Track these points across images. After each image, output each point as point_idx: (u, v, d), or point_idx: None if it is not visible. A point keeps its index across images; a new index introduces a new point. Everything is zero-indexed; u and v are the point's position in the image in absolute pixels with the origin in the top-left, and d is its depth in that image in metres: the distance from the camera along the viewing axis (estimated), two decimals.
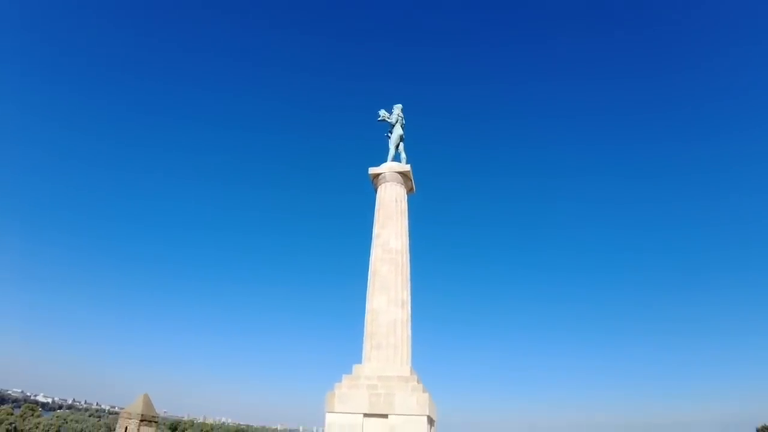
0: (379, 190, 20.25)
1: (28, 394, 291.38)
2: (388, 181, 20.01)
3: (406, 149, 21.39)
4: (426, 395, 15.61)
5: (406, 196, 20.43)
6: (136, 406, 27.55)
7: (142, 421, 27.09)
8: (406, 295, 18.09)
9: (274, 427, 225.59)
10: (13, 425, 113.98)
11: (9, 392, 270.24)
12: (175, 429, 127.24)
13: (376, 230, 19.23)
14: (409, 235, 19.56)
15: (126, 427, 26.85)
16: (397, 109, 21.82)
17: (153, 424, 28.03)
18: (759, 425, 48.27)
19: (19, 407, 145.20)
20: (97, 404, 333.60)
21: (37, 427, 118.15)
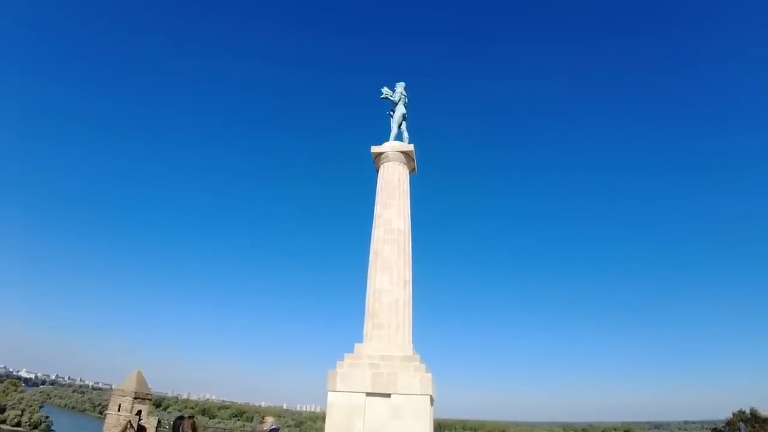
0: (381, 169, 20.00)
1: (11, 369, 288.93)
2: (390, 161, 19.76)
3: (408, 128, 21.09)
4: (428, 375, 15.73)
5: (408, 175, 20.21)
6: (130, 384, 27.40)
7: (135, 398, 27.00)
8: (408, 275, 18.06)
9: (257, 404, 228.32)
10: None
11: None
12: (159, 405, 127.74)
13: (378, 210, 19.05)
14: (411, 216, 19.44)
15: (120, 405, 26.73)
16: (400, 87, 21.42)
17: (147, 401, 27.95)
18: (735, 410, 50.19)
19: (2, 383, 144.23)
20: (81, 380, 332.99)
21: (20, 402, 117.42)
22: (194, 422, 7.81)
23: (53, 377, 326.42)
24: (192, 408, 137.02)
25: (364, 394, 15.55)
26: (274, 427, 10.46)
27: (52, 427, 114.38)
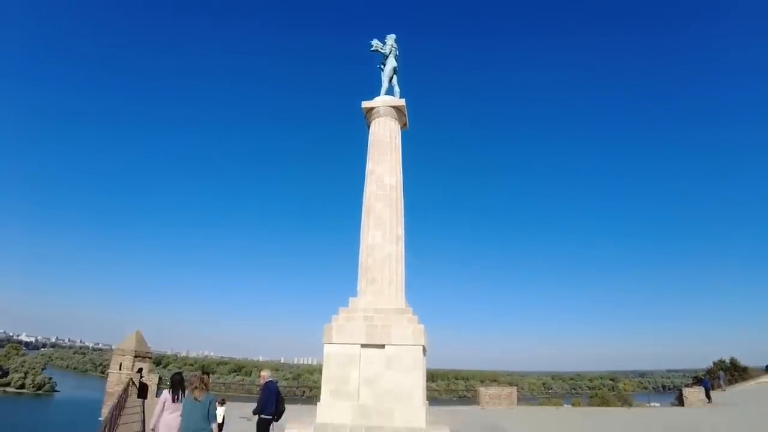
0: (372, 125, 19.71)
1: (11, 334, 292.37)
2: (381, 116, 19.44)
3: (399, 83, 20.64)
4: (421, 327, 16.10)
5: (400, 131, 19.94)
6: (129, 343, 27.92)
7: (136, 357, 27.59)
8: (400, 230, 18.17)
9: (255, 358, 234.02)
10: None
11: None
12: (159, 363, 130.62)
13: (369, 166, 18.90)
14: (403, 172, 19.35)
15: (121, 364, 27.33)
16: (391, 39, 20.77)
17: (147, 359, 28.59)
18: (716, 360, 52.29)
19: (3, 347, 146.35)
20: (81, 342, 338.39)
21: (23, 366, 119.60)
22: (204, 377, 8.00)
23: (53, 340, 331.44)
24: (191, 365, 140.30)
25: (359, 345, 15.95)
26: (270, 379, 10.75)
27: (56, 388, 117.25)
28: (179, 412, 8.32)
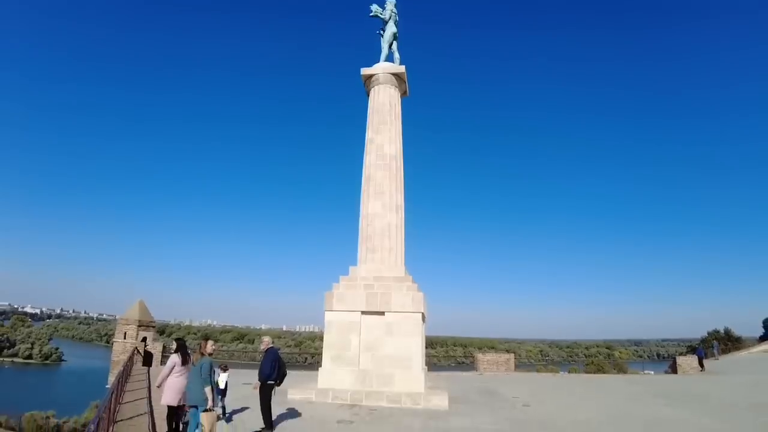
0: (371, 93, 19.41)
1: (15, 306, 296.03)
2: (381, 83, 19.13)
3: (399, 49, 20.23)
4: (420, 294, 16.29)
5: (400, 99, 19.67)
6: (133, 313, 28.28)
7: (139, 326, 27.99)
8: (400, 199, 18.16)
9: (258, 327, 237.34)
10: (5, 336, 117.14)
11: None
12: (163, 333, 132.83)
13: (369, 135, 18.72)
14: (403, 140, 19.18)
15: (125, 333, 27.76)
16: (390, 4, 20.23)
17: (150, 328, 29.02)
18: (710, 330, 53.13)
19: (8, 319, 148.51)
20: (85, 312, 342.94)
21: (29, 336, 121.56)
22: (202, 342, 8.13)
23: (58, 311, 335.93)
24: (195, 333, 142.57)
25: (360, 312, 16.18)
26: (271, 346, 10.91)
27: (63, 358, 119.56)
28: (185, 376, 8.53)
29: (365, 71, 19.48)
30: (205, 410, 7.47)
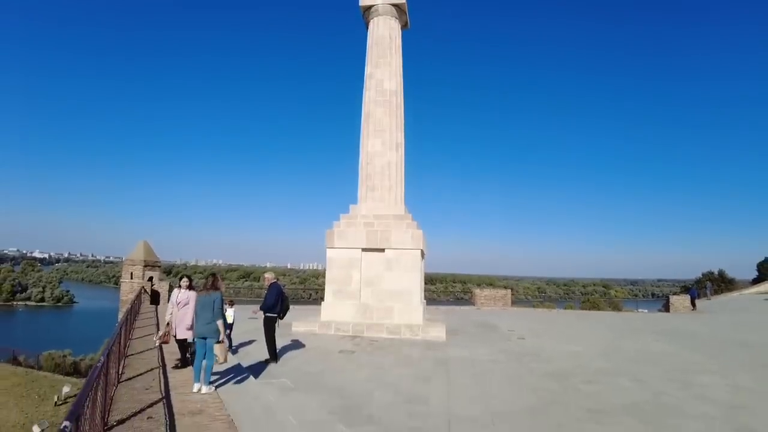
0: (370, 25, 18.54)
1: (24, 251, 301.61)
2: (380, 15, 18.21)
3: None
4: (420, 231, 16.43)
5: (400, 31, 18.79)
6: (138, 253, 28.76)
7: (145, 266, 28.57)
8: (400, 137, 17.86)
9: (263, 265, 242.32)
10: (17, 281, 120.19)
11: (5, 251, 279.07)
12: (170, 273, 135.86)
13: (368, 70, 18.09)
14: (404, 75, 18.57)
15: (131, 273, 28.38)
16: None
17: (156, 268, 29.63)
18: (705, 271, 54.12)
19: (18, 264, 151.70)
20: (92, 256, 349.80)
21: (40, 280, 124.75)
22: (213, 277, 8.27)
23: (66, 255, 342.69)
24: (201, 273, 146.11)
25: (360, 249, 16.40)
26: (274, 281, 11.10)
27: (74, 300, 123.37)
28: (191, 308, 8.76)
29: (364, 1, 18.49)
30: (218, 341, 7.77)
